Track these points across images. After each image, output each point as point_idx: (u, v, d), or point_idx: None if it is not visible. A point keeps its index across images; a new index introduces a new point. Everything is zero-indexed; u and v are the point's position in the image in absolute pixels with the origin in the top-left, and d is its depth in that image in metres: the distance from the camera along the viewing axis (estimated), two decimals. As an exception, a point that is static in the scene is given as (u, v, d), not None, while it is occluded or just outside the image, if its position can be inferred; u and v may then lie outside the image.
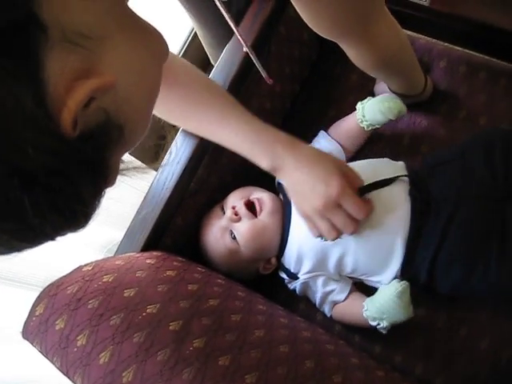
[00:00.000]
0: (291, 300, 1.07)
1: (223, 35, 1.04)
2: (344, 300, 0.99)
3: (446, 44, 1.24)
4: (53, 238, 0.43)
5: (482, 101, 1.13)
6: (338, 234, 0.89)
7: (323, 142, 1.11)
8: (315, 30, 0.80)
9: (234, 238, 1.01)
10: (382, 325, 0.90)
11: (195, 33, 1.41)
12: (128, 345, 0.67)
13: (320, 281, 1.00)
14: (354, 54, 0.91)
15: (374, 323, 0.91)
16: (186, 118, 0.95)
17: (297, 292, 1.04)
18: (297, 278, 1.03)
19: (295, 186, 0.90)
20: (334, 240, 0.90)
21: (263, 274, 1.08)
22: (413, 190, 0.95)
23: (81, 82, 0.38)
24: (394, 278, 0.95)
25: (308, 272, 1.00)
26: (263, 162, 0.90)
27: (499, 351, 0.95)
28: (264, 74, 1.01)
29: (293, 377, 0.71)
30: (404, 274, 0.95)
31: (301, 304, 1.07)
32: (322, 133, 1.13)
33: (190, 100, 0.92)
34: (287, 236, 1.02)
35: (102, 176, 0.44)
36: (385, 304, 0.89)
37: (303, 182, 0.88)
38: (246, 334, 0.76)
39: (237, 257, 1.02)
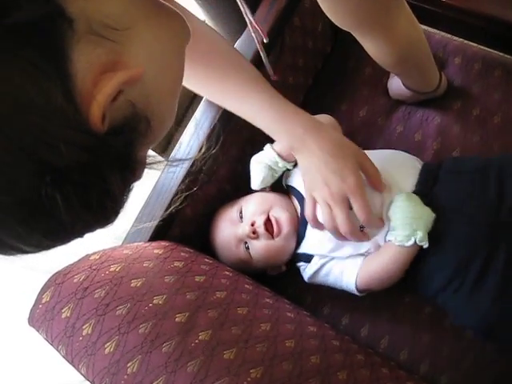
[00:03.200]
0: (298, 293, 1.07)
1: (237, 30, 1.03)
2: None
3: (461, 40, 1.23)
4: (82, 235, 0.43)
5: (497, 99, 1.12)
6: (332, 226, 0.88)
7: None
8: (334, 20, 0.79)
9: (248, 248, 1.00)
10: (418, 236, 0.87)
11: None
12: (133, 335, 0.67)
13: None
14: (373, 47, 0.90)
15: (411, 242, 0.88)
16: (210, 90, 0.94)
17: (309, 277, 1.01)
18: (310, 261, 1.01)
19: (310, 169, 0.89)
20: (324, 229, 0.90)
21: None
22: (416, 193, 0.93)
23: (108, 75, 0.38)
24: None
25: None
26: (282, 140, 0.90)
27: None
28: (269, 70, 1.01)
29: (298, 372, 0.71)
30: None
31: (308, 298, 1.07)
32: None
33: (214, 73, 0.90)
34: (304, 233, 1.01)
35: (131, 170, 0.44)
36: (405, 216, 0.88)
37: (318, 168, 0.86)
38: (251, 328, 0.76)
39: (247, 264, 1.02)
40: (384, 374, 0.81)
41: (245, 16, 0.88)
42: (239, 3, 0.85)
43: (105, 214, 0.43)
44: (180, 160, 0.97)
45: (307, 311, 0.96)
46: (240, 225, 1.01)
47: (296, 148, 0.89)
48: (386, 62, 0.95)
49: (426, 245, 0.88)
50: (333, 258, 0.98)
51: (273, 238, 0.99)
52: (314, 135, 0.87)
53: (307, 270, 1.01)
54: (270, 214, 1.00)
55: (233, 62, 0.91)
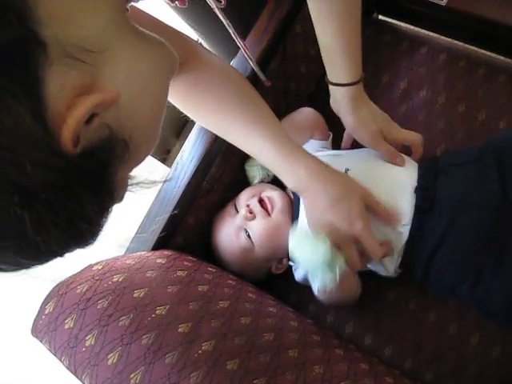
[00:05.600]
0: (302, 301, 1.06)
1: (231, 43, 1.02)
2: None
3: (463, 44, 1.22)
4: (61, 255, 0.43)
5: (501, 103, 1.12)
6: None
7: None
8: None
9: (249, 236, 1.00)
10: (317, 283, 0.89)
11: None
12: (136, 346, 0.67)
13: None
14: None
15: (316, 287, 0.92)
16: (215, 123, 0.93)
17: (300, 279, 1.03)
18: None
19: (315, 211, 0.88)
20: None
21: (275, 275, 1.07)
22: (419, 189, 0.94)
23: (83, 97, 0.38)
24: (395, 268, 0.96)
25: None
26: (287, 181, 0.88)
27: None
28: (262, 77, 1.01)
29: (301, 383, 0.71)
30: (403, 266, 0.96)
31: (311, 306, 1.06)
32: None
33: (220, 106, 0.89)
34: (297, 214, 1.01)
35: (108, 192, 0.44)
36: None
37: (324, 212, 0.86)
38: (255, 338, 0.76)
39: (250, 256, 1.02)
40: (388, 383, 0.81)
41: (228, 28, 0.88)
42: (222, 19, 0.86)
43: (80, 235, 0.42)
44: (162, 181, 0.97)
45: (311, 319, 0.96)
46: (237, 215, 1.03)
47: (300, 190, 0.89)
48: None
49: (333, 286, 0.86)
50: None
51: (269, 215, 1.01)
52: (318, 178, 0.86)
53: (298, 271, 1.03)
54: (262, 195, 1.03)
55: (241, 96, 0.90)
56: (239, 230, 1.02)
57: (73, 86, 0.37)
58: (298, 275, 1.03)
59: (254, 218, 1.00)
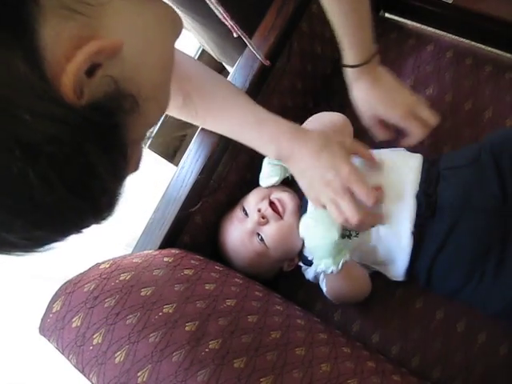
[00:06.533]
0: (309, 300, 1.06)
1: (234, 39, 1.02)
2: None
3: (470, 42, 1.22)
4: (77, 227, 0.41)
5: (508, 101, 1.11)
6: (343, 220, 0.87)
7: None
8: None
9: (262, 240, 1.00)
10: (322, 266, 0.93)
11: (202, 51, 1.41)
12: (144, 344, 0.67)
13: None
14: None
15: (320, 269, 0.94)
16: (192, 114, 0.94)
17: (310, 279, 1.04)
18: (311, 264, 1.01)
19: (303, 173, 0.90)
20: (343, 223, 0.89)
21: (284, 273, 1.08)
22: (420, 194, 0.93)
23: (82, 48, 0.36)
24: (404, 273, 0.97)
25: None
26: (269, 152, 0.90)
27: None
28: (260, 57, 1.01)
29: (308, 381, 0.70)
30: (409, 271, 0.96)
31: (318, 304, 1.06)
32: None
33: (193, 94, 0.90)
34: None
35: (120, 152, 0.42)
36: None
37: (311, 170, 0.87)
38: (262, 336, 0.75)
39: (264, 259, 1.02)
40: (395, 381, 0.81)
41: (215, 10, 0.88)
42: (211, 5, 0.86)
43: (93, 198, 0.40)
44: None
45: (318, 317, 0.96)
46: (247, 219, 1.02)
47: (285, 156, 0.89)
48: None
49: (334, 270, 0.92)
50: None
51: (281, 217, 1.00)
52: (299, 139, 0.88)
53: (307, 273, 1.04)
54: (272, 197, 1.02)
55: (212, 82, 0.92)
56: (252, 234, 1.01)
57: (70, 36, 0.36)
58: (308, 275, 1.03)
59: (267, 222, 1.00)
